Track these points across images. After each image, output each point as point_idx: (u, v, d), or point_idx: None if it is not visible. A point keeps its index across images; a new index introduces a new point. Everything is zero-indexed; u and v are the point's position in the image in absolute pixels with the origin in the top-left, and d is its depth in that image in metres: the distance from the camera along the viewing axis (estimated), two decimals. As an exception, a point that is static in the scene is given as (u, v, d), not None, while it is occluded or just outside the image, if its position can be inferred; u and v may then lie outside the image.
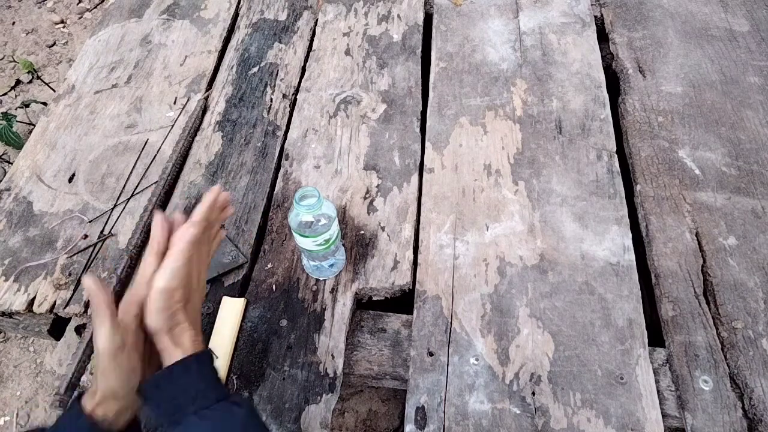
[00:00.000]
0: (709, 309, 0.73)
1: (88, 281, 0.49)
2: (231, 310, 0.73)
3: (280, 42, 1.10)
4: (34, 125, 1.09)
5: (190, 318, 0.52)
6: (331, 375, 0.69)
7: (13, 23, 2.12)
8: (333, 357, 0.70)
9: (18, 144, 1.58)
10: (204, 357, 0.50)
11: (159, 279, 0.49)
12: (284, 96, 1.01)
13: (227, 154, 0.93)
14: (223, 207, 0.61)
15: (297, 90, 1.02)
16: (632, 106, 0.95)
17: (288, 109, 0.99)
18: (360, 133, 0.93)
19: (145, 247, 0.82)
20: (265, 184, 0.88)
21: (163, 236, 0.53)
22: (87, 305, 0.77)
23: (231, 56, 1.09)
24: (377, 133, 0.93)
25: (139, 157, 0.93)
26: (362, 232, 0.81)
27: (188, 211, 0.82)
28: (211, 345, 0.70)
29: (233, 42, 1.11)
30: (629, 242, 0.78)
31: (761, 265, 0.76)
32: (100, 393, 0.48)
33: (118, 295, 0.77)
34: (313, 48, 1.08)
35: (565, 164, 0.87)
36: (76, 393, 0.69)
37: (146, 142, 0.95)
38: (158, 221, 0.53)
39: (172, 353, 0.49)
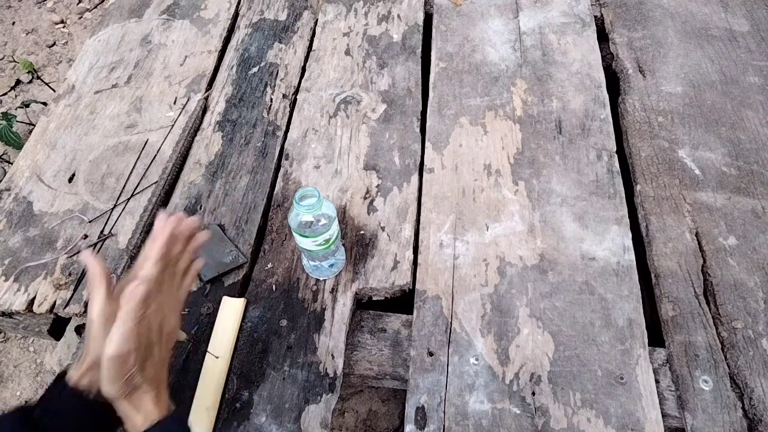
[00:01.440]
0: (709, 309, 0.73)
1: (84, 255, 0.50)
2: (231, 310, 0.73)
3: (280, 42, 1.10)
4: (34, 125, 1.09)
5: (150, 375, 0.49)
6: (331, 375, 0.69)
7: (13, 23, 2.12)
8: (333, 357, 0.70)
9: (18, 144, 1.58)
10: (171, 422, 0.48)
11: (108, 346, 0.46)
12: (284, 96, 1.01)
13: (227, 154, 0.93)
14: (190, 236, 0.56)
15: (297, 90, 1.02)
16: (632, 106, 0.95)
17: (288, 109, 0.99)
18: (360, 133, 0.93)
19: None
20: (265, 184, 0.88)
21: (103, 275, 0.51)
22: (87, 305, 0.76)
23: (231, 56, 1.09)
24: (377, 133, 0.93)
25: (139, 157, 0.93)
26: (362, 232, 0.81)
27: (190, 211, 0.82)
28: (211, 345, 0.70)
29: (233, 42, 1.11)
30: (629, 242, 0.78)
31: (761, 265, 0.76)
32: (88, 359, 0.48)
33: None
34: (313, 48, 1.08)
35: (565, 164, 0.87)
36: (61, 368, 0.69)
37: (146, 142, 0.95)
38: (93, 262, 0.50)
39: (133, 420, 0.47)
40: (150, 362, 0.49)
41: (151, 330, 0.50)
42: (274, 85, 1.03)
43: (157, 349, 0.51)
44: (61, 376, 0.50)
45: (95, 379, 0.48)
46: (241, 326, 0.73)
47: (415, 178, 0.87)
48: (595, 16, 1.10)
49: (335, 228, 0.69)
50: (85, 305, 0.76)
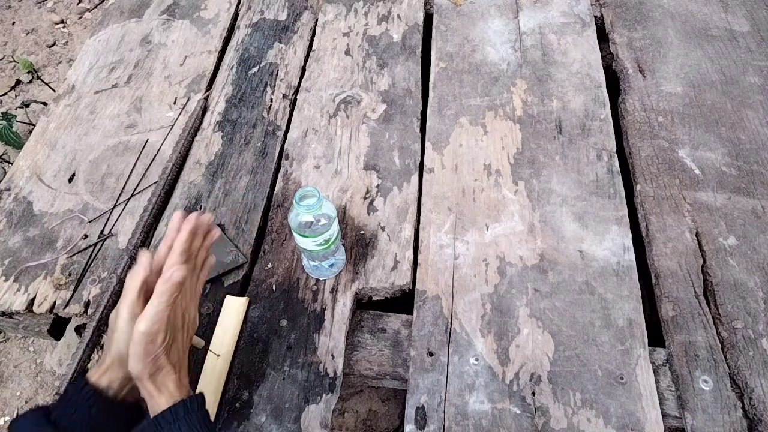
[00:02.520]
0: (709, 309, 0.73)
1: (144, 255, 0.51)
2: (233, 309, 0.73)
3: (280, 42, 1.10)
4: (34, 125, 1.09)
5: (174, 360, 0.51)
6: (331, 375, 0.69)
7: (13, 23, 2.12)
8: (333, 357, 0.70)
9: (18, 144, 1.58)
10: (191, 403, 0.49)
11: (140, 323, 0.48)
12: (284, 96, 1.01)
13: (227, 154, 0.93)
14: (206, 232, 0.59)
15: (297, 90, 1.02)
16: (632, 106, 0.95)
17: (288, 109, 0.99)
18: (360, 133, 0.93)
19: (144, 247, 0.82)
20: (265, 184, 0.88)
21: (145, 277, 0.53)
22: (87, 305, 0.77)
23: (231, 56, 1.09)
24: (377, 133, 0.93)
25: (139, 157, 0.93)
26: (362, 232, 0.81)
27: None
28: (213, 344, 0.70)
29: (233, 42, 1.11)
30: (629, 242, 0.78)
31: (761, 265, 0.76)
32: (109, 358, 0.50)
33: (117, 296, 0.77)
34: (313, 48, 1.08)
35: (565, 164, 0.87)
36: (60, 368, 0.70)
37: (146, 142, 0.95)
38: (143, 260, 0.52)
39: (156, 400, 0.49)
40: (174, 347, 0.52)
41: (177, 316, 0.53)
42: (274, 85, 1.03)
43: (180, 335, 0.53)
44: (81, 375, 0.51)
45: (115, 378, 0.50)
46: (241, 326, 0.73)
47: (415, 178, 0.87)
48: (595, 16, 1.10)
49: (335, 228, 0.69)
50: (85, 305, 0.76)
